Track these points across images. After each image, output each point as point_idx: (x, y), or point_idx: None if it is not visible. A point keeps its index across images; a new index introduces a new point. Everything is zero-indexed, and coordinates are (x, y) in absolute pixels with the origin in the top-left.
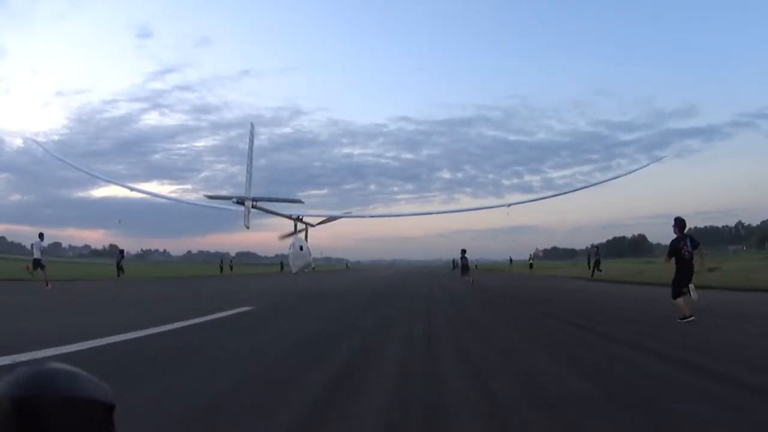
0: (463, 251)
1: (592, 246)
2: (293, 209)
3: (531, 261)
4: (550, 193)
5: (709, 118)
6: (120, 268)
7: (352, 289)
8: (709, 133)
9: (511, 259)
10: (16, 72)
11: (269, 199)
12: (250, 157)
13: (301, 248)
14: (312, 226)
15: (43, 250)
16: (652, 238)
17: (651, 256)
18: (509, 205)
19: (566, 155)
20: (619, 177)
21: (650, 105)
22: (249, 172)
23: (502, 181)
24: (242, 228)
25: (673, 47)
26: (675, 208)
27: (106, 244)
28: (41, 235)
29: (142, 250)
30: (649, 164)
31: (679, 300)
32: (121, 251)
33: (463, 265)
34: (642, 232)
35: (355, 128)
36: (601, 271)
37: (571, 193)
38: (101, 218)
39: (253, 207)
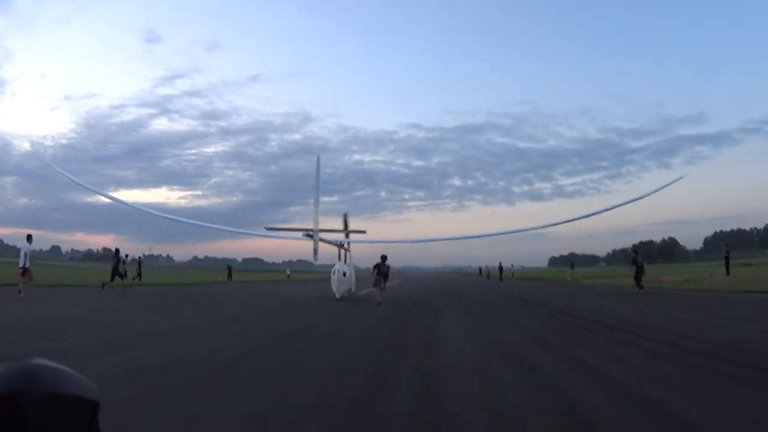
0: (383, 258)
1: (632, 249)
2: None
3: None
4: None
5: (719, 125)
6: (118, 273)
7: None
8: (718, 140)
9: (572, 265)
10: (23, 75)
11: (334, 231)
12: (318, 188)
13: (345, 274)
14: (348, 251)
15: (28, 254)
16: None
17: (685, 261)
18: (543, 226)
19: (576, 162)
20: (647, 196)
21: (660, 111)
22: (316, 205)
23: (513, 188)
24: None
25: (684, 53)
26: (685, 215)
27: (104, 248)
28: (29, 237)
29: (143, 255)
30: (673, 182)
31: None
32: (117, 252)
33: (378, 276)
34: (652, 238)
35: (365, 135)
36: (641, 283)
37: (601, 212)
38: (110, 223)
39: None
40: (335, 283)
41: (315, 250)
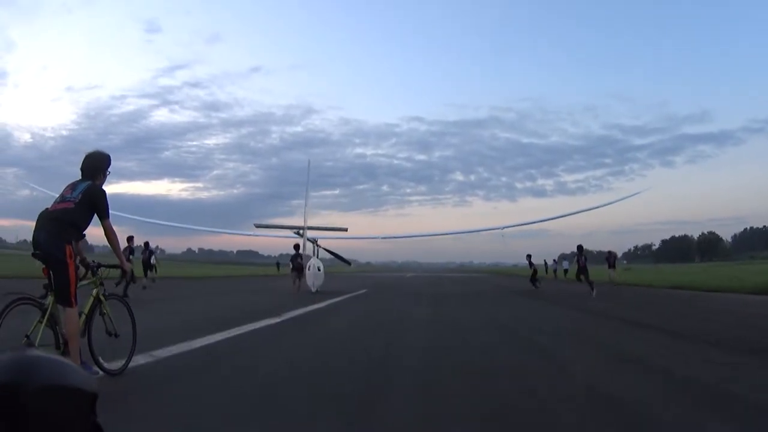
0: (296, 247)
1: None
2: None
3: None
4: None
5: (722, 124)
6: (150, 266)
7: None
8: (721, 139)
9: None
10: (25, 67)
11: (319, 228)
12: (307, 189)
13: (319, 269)
14: (320, 248)
15: None
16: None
17: (729, 259)
18: (504, 227)
19: (579, 159)
20: (603, 206)
21: (664, 109)
22: (306, 204)
23: (515, 184)
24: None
25: (688, 52)
26: (687, 214)
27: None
28: None
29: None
30: (630, 196)
31: None
32: (147, 244)
33: (292, 270)
34: (652, 238)
35: (367, 128)
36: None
37: (558, 218)
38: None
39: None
40: (311, 278)
41: (303, 246)
